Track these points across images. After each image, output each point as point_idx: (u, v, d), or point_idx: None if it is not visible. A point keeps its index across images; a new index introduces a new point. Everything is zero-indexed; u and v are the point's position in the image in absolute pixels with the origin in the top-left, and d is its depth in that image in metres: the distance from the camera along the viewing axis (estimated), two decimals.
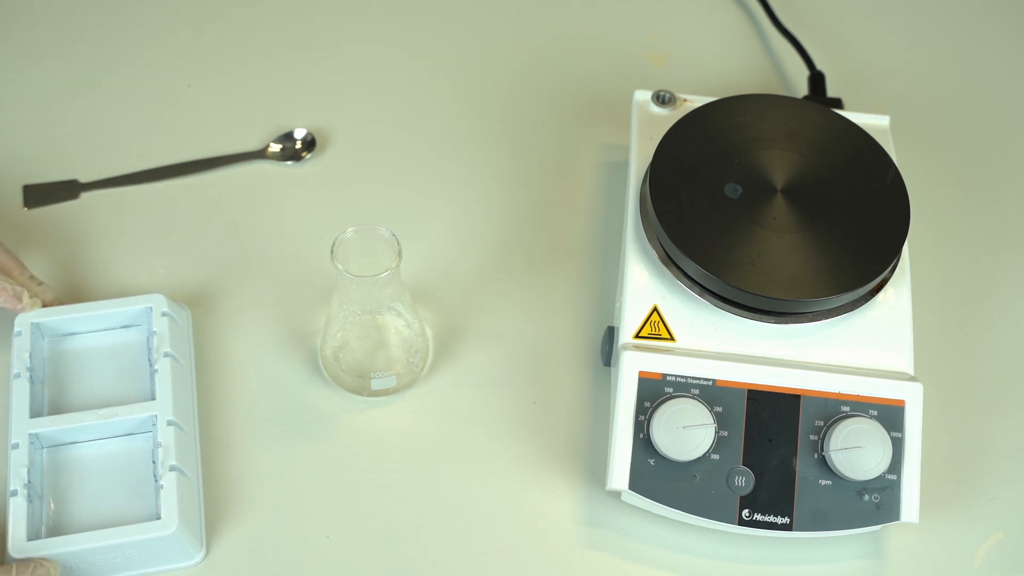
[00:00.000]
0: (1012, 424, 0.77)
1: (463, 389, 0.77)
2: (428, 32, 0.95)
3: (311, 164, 0.87)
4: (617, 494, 0.72)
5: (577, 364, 0.78)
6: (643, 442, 0.69)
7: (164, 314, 0.74)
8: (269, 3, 0.96)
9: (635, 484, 0.68)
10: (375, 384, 0.75)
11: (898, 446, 0.68)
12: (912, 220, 0.72)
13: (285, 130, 0.89)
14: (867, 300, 0.71)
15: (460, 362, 0.78)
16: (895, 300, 0.73)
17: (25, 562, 0.65)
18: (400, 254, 0.69)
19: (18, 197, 0.84)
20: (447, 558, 0.71)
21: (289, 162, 0.87)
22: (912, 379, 0.70)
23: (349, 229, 0.70)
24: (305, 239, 0.83)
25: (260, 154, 0.87)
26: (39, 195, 0.84)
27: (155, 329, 0.73)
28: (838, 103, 0.86)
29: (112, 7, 0.95)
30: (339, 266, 0.69)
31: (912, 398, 0.69)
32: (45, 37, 0.93)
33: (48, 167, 0.86)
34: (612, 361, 0.74)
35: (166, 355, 0.72)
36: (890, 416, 0.69)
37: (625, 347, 0.70)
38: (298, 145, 0.88)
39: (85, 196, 0.85)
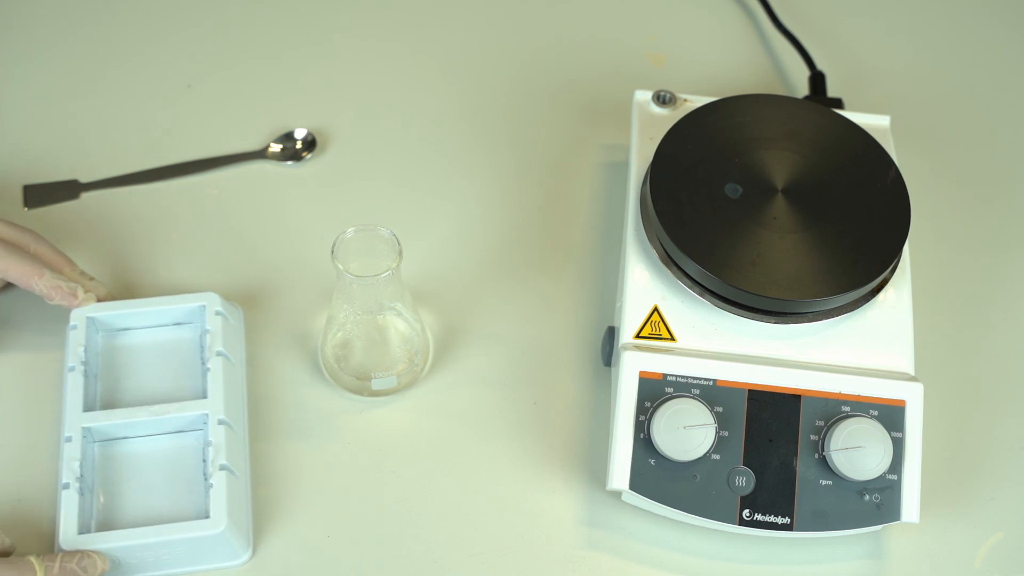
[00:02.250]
0: (1012, 424, 0.77)
1: (463, 389, 0.77)
2: (428, 32, 0.95)
3: (311, 164, 0.87)
4: (617, 494, 0.72)
5: (577, 364, 0.78)
6: (643, 442, 0.69)
7: (217, 313, 0.74)
8: (269, 3, 0.96)
9: (635, 484, 0.68)
10: (375, 384, 0.75)
11: (898, 446, 0.68)
12: (912, 220, 0.73)
13: (285, 130, 0.89)
14: (867, 300, 0.71)
15: (460, 362, 0.78)
16: (895, 300, 0.73)
17: (71, 553, 0.65)
18: (400, 254, 0.69)
19: (18, 197, 0.84)
20: (447, 558, 0.71)
21: (289, 162, 0.87)
22: (912, 379, 0.70)
23: (349, 229, 0.70)
24: (305, 239, 0.83)
25: (260, 154, 0.87)
26: (39, 195, 0.84)
27: (208, 327, 0.73)
28: (838, 103, 0.86)
29: (112, 7, 0.95)
30: (339, 266, 0.69)
31: (912, 398, 0.69)
32: (45, 37, 0.93)
33: (48, 167, 0.86)
34: (612, 361, 0.74)
35: (218, 354, 0.72)
36: (890, 416, 0.69)
37: (625, 347, 0.70)
38: (298, 145, 0.88)
39: (85, 196, 0.85)
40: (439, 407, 0.76)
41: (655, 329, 0.71)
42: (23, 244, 0.74)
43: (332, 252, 0.69)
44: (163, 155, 0.87)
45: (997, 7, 0.99)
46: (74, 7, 0.95)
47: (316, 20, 0.95)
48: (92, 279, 0.76)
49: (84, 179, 0.85)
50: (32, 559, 0.64)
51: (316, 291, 0.80)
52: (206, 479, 0.69)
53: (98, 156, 0.87)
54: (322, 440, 0.75)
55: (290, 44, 0.94)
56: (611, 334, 0.74)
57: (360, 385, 0.75)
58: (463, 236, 0.84)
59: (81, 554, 0.65)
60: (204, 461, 0.70)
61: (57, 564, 0.64)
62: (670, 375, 0.69)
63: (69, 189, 0.85)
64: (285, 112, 0.90)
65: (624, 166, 0.85)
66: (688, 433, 0.67)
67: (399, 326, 0.76)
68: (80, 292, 0.74)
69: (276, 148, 0.88)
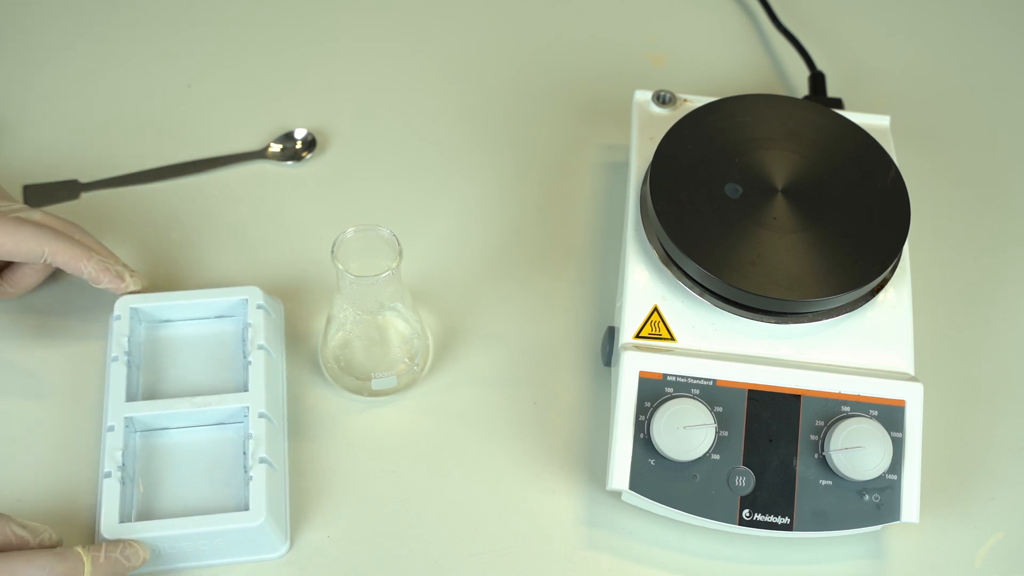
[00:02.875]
0: (1012, 424, 0.77)
1: (463, 389, 0.77)
2: (428, 32, 0.95)
3: (311, 164, 0.87)
4: (617, 494, 0.72)
5: (577, 364, 0.78)
6: (643, 442, 0.69)
7: (259, 306, 0.74)
8: (269, 3, 0.96)
9: (635, 484, 0.68)
10: (375, 384, 0.75)
11: (898, 446, 0.68)
12: (912, 220, 0.73)
13: (285, 130, 0.89)
14: (867, 300, 0.71)
15: (460, 362, 0.78)
16: (895, 300, 0.73)
17: (115, 542, 0.66)
18: (400, 254, 0.69)
19: (18, 197, 0.84)
20: (447, 558, 0.71)
21: (289, 162, 0.87)
22: (912, 379, 0.70)
23: (349, 229, 0.70)
24: (305, 239, 0.83)
25: (260, 154, 0.87)
26: (39, 195, 0.84)
27: (250, 321, 0.74)
28: (838, 103, 0.86)
29: (112, 7, 0.95)
30: (339, 266, 0.69)
31: (912, 398, 0.69)
32: (45, 37, 0.93)
33: (48, 167, 0.86)
34: (612, 361, 0.74)
35: (260, 348, 0.73)
36: (890, 416, 0.69)
37: (625, 347, 0.70)
38: (298, 145, 0.88)
39: (85, 196, 0.85)
40: (439, 407, 0.76)
41: (655, 329, 0.71)
42: (69, 233, 0.75)
43: (332, 252, 0.69)
44: (163, 155, 0.87)
45: (997, 7, 0.99)
46: (74, 7, 0.95)
47: (316, 20, 0.95)
48: (134, 273, 0.76)
49: (84, 179, 0.85)
50: (79, 550, 0.64)
51: (316, 291, 0.80)
52: (246, 471, 0.69)
53: (98, 156, 0.87)
54: (322, 440, 0.75)
55: (290, 44, 0.94)
56: (611, 334, 0.74)
57: (360, 385, 0.75)
58: (463, 236, 0.84)
59: (124, 543, 0.66)
60: (244, 454, 0.71)
61: (103, 554, 0.65)
62: (670, 375, 0.69)
63: (69, 189, 0.85)
64: (285, 112, 0.90)
65: (624, 166, 0.85)
66: (688, 433, 0.67)
67: (399, 326, 0.76)
68: (127, 276, 0.74)
69: (276, 148, 0.88)
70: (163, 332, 0.76)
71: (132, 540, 0.66)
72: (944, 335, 0.80)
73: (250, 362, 0.72)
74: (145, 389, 0.74)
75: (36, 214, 0.74)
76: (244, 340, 0.75)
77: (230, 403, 0.71)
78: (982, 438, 0.77)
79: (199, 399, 0.71)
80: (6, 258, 0.72)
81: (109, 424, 0.70)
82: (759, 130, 0.76)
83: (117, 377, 0.72)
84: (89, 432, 0.74)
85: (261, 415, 0.71)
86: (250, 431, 0.70)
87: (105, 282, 0.74)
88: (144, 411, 0.71)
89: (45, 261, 0.73)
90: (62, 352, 0.77)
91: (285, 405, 0.75)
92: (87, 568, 0.64)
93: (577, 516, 0.73)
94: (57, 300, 0.79)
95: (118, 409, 0.70)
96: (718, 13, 0.98)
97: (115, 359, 0.72)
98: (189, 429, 0.72)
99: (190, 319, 0.77)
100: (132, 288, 0.74)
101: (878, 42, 0.97)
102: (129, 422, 0.71)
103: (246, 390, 0.72)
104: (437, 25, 0.96)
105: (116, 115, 0.89)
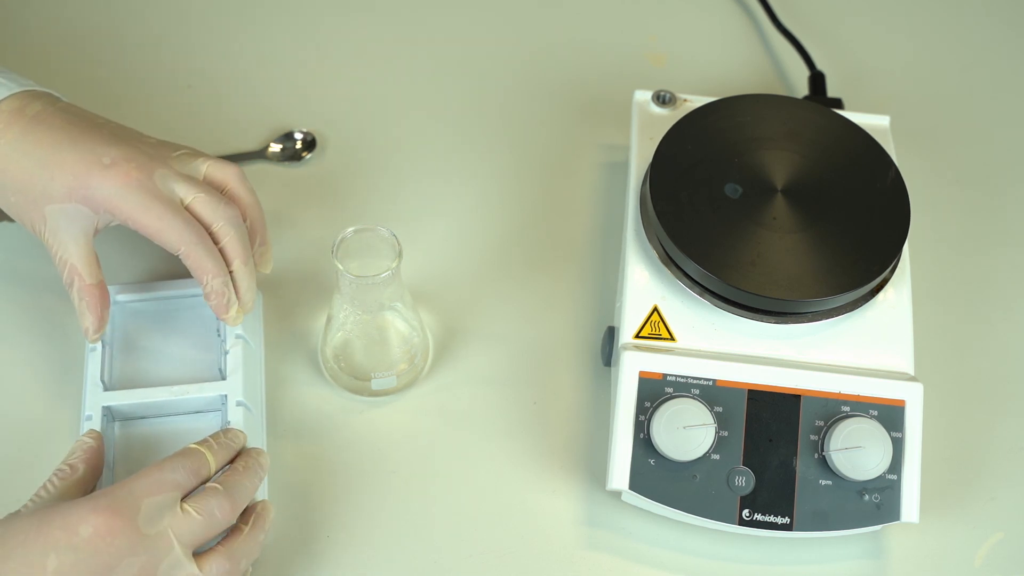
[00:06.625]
0: (1012, 424, 0.77)
1: (463, 389, 0.77)
2: (428, 32, 0.95)
3: (311, 164, 0.87)
4: (617, 494, 0.72)
5: (577, 364, 0.78)
6: (643, 442, 0.69)
7: None
8: (268, 3, 0.96)
9: (635, 484, 0.68)
10: (375, 384, 0.75)
11: (898, 446, 0.68)
12: (912, 220, 0.73)
13: (285, 130, 0.89)
14: (867, 300, 0.71)
15: (460, 362, 0.78)
16: (895, 300, 0.73)
17: (215, 434, 0.68)
18: (400, 254, 0.70)
19: None
20: (447, 558, 0.71)
21: (289, 162, 0.87)
22: (912, 379, 0.70)
23: (349, 229, 0.70)
24: (305, 239, 0.83)
25: (260, 154, 0.87)
26: None
27: None
28: (838, 103, 0.86)
29: (112, 6, 0.95)
30: (339, 266, 0.69)
31: (912, 398, 0.69)
32: (45, 37, 0.93)
33: None
34: (612, 361, 0.74)
35: (238, 337, 0.73)
36: (890, 416, 0.69)
37: (625, 347, 0.70)
38: (298, 145, 0.88)
39: None
40: (439, 407, 0.76)
41: (655, 329, 0.71)
42: (221, 233, 0.71)
43: (332, 252, 0.69)
44: None
45: (997, 7, 0.99)
46: (74, 7, 0.95)
47: (316, 20, 0.95)
48: (244, 308, 0.73)
49: None
50: (194, 446, 0.65)
51: (316, 291, 0.80)
52: None
53: None
54: (322, 440, 0.75)
55: (290, 44, 0.94)
56: (611, 334, 0.74)
57: (360, 385, 0.75)
58: (463, 236, 0.84)
59: (223, 431, 0.68)
60: None
61: (215, 442, 0.66)
62: (670, 375, 0.69)
63: None
64: (285, 112, 0.90)
65: (624, 166, 0.85)
66: (688, 433, 0.67)
67: (399, 326, 0.76)
68: (233, 309, 0.72)
69: (276, 148, 0.88)
70: (141, 322, 0.76)
71: (228, 427, 0.69)
72: (944, 335, 0.80)
73: (228, 351, 0.73)
74: (123, 380, 0.74)
75: (196, 192, 0.70)
76: (222, 329, 0.75)
77: (208, 391, 0.72)
78: (982, 438, 0.77)
79: (177, 388, 0.72)
80: (145, 236, 0.70)
81: (87, 414, 0.70)
82: (759, 130, 0.76)
83: (94, 367, 0.72)
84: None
85: (239, 403, 0.71)
86: (228, 419, 0.70)
87: (212, 302, 0.71)
88: (121, 400, 0.71)
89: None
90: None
91: (264, 393, 0.75)
92: (210, 457, 0.65)
93: (577, 516, 0.73)
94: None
95: (96, 399, 0.71)
96: (718, 13, 0.98)
97: (92, 349, 0.73)
98: (167, 418, 0.73)
99: (168, 310, 0.77)
100: (230, 321, 0.72)
101: (878, 42, 0.97)
102: (107, 411, 0.71)
103: (224, 379, 0.72)
104: (437, 25, 0.96)
105: (116, 115, 0.89)
